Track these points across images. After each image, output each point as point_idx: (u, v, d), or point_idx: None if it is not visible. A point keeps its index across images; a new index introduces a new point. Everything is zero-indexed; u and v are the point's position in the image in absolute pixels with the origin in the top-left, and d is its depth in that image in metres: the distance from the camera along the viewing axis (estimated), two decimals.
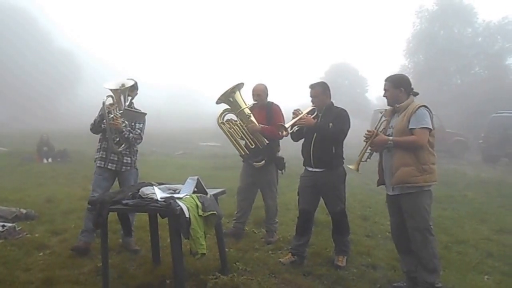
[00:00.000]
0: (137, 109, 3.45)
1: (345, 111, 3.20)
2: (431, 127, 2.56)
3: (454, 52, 20.01)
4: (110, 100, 3.17)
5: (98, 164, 3.34)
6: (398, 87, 2.66)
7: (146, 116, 3.42)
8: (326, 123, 3.09)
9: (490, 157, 10.98)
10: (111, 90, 3.18)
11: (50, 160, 10.58)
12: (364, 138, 2.73)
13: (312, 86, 3.24)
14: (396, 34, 69.31)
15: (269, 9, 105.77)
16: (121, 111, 3.19)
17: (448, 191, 6.42)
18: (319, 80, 3.44)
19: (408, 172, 2.53)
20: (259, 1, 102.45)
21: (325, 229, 3.76)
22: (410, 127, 2.55)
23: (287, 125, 3.14)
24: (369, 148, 2.73)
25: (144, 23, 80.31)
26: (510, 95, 15.80)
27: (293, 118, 3.13)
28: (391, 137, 2.61)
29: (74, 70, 32.26)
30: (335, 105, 3.24)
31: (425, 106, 2.60)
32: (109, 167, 3.30)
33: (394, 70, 21.55)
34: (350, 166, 2.85)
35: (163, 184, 2.86)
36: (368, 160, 2.80)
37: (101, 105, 3.16)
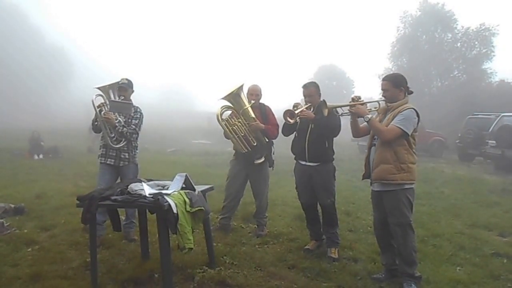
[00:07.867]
0: (125, 101, 3.54)
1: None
2: (408, 132, 2.56)
3: (435, 56, 20.72)
4: (100, 99, 3.37)
5: (100, 161, 3.51)
6: (398, 87, 2.69)
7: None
8: (323, 117, 3.14)
9: (466, 156, 11.40)
10: (99, 88, 3.39)
11: (41, 156, 10.45)
12: (351, 100, 2.79)
13: (306, 86, 3.32)
14: (381, 38, 70.72)
15: (259, 13, 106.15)
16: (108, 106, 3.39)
17: (427, 188, 6.69)
18: (309, 81, 3.47)
19: (387, 169, 2.61)
20: (249, 4, 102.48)
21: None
22: (392, 123, 2.61)
23: (297, 112, 3.15)
24: (350, 108, 2.77)
25: (137, 22, 79.25)
26: (485, 97, 16.48)
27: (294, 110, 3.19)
28: (370, 115, 2.66)
29: (66, 66, 31.61)
30: None
31: (414, 109, 2.62)
32: (108, 162, 3.48)
33: (379, 72, 22.20)
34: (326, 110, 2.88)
35: (151, 180, 2.90)
36: (342, 114, 2.96)
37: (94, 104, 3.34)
